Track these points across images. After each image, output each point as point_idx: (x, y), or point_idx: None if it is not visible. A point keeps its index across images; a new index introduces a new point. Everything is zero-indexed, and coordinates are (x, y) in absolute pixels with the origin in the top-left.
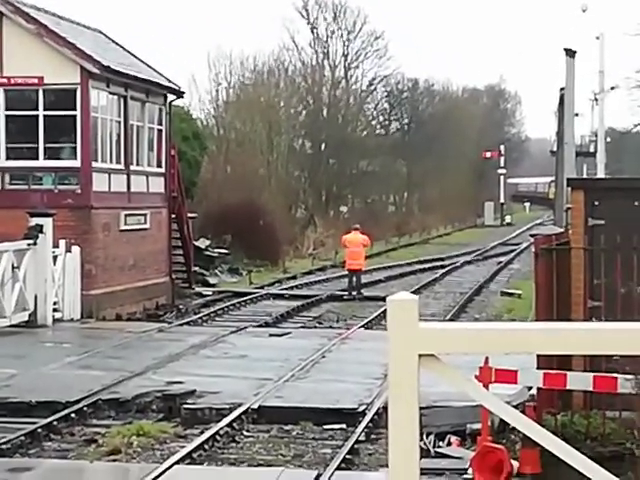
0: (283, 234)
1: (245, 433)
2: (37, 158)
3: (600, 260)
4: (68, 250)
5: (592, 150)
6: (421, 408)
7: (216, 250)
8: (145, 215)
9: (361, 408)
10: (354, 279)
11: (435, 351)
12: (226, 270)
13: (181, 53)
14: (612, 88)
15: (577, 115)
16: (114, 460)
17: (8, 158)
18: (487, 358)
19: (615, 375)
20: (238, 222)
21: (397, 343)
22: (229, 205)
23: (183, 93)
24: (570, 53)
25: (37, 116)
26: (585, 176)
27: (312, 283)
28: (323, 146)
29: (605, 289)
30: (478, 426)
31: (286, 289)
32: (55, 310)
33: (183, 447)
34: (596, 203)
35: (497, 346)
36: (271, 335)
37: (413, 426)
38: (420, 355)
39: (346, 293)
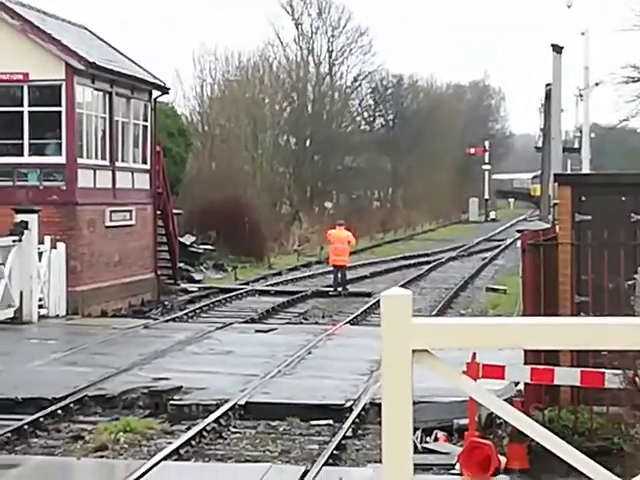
0: (268, 230)
1: (232, 429)
2: (22, 154)
3: (587, 255)
4: (53, 246)
5: (576, 146)
6: None
7: (201, 246)
8: (130, 211)
9: (348, 404)
10: (339, 275)
11: (428, 346)
12: (211, 266)
13: (166, 49)
14: (597, 84)
15: (562, 111)
16: (101, 456)
17: None
18: (474, 354)
19: (603, 370)
20: (223, 218)
21: (390, 338)
22: (214, 201)
23: (168, 89)
24: (557, 49)
25: (22, 112)
26: (570, 172)
27: (297, 279)
28: (308, 142)
29: (592, 284)
30: (465, 422)
31: (271, 285)
32: (40, 306)
33: (170, 443)
34: (583, 198)
35: (490, 341)
36: (257, 331)
37: (407, 422)
38: (414, 350)
39: (331, 289)
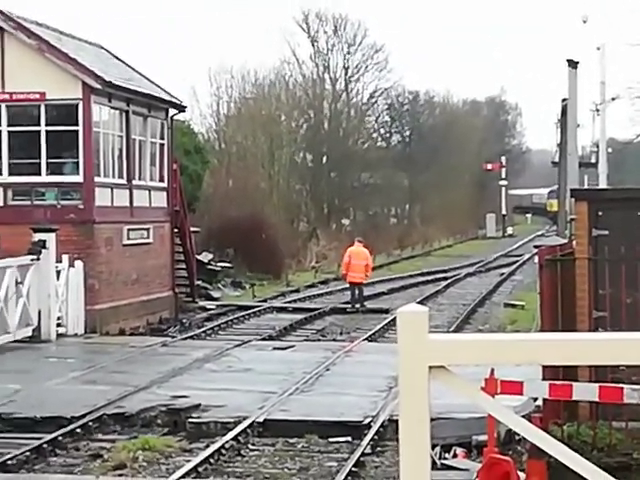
0: (285, 247)
1: (250, 447)
2: (40, 174)
3: (604, 270)
4: (71, 265)
5: (593, 161)
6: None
7: (219, 264)
8: (148, 229)
9: (366, 421)
10: (357, 292)
11: (445, 362)
12: (229, 284)
13: (182, 67)
14: (613, 99)
15: (579, 126)
16: (120, 475)
17: (11, 174)
18: (493, 370)
19: (621, 385)
20: (240, 236)
21: (407, 355)
22: (231, 219)
23: (185, 107)
24: (572, 64)
25: (39, 132)
26: (587, 187)
27: (315, 296)
28: (324, 159)
29: (610, 299)
30: (484, 438)
31: (289, 302)
32: (59, 325)
33: (189, 461)
34: (600, 214)
35: (507, 357)
36: (275, 348)
37: (424, 438)
38: (430, 367)
39: (349, 306)
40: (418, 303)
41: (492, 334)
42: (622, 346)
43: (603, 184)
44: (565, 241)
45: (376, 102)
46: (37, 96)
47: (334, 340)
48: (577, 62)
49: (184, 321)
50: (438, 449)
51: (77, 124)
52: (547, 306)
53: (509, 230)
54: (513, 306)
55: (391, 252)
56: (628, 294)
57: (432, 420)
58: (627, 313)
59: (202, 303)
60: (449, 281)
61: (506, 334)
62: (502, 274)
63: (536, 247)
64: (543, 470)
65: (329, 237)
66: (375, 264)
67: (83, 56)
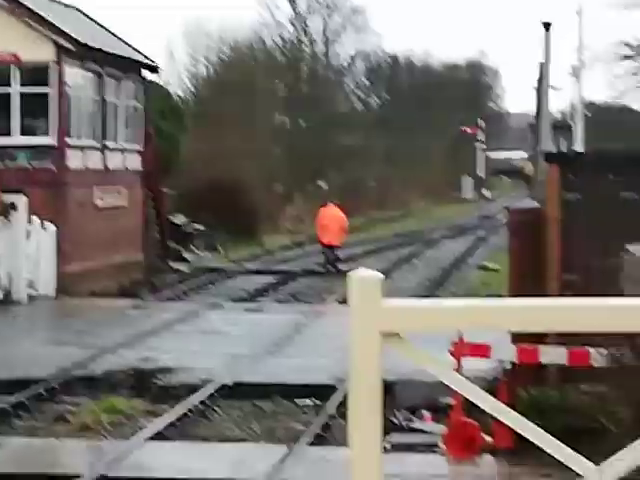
0: (261, 210)
1: (217, 409)
2: (11, 135)
3: (575, 234)
4: (43, 227)
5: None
6: (392, 382)
7: (193, 226)
8: (121, 192)
9: (334, 383)
10: (330, 254)
11: (399, 329)
12: (203, 246)
13: (158, 29)
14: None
15: (555, 88)
16: (84, 437)
17: None
18: (461, 333)
19: (588, 349)
20: (216, 198)
21: (358, 321)
22: (207, 181)
23: (160, 69)
24: (546, 26)
25: (10, 93)
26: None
27: (289, 259)
28: (302, 122)
29: (579, 263)
30: (451, 400)
31: (263, 264)
32: (30, 287)
33: (154, 424)
34: (571, 177)
35: (463, 323)
36: (247, 310)
37: (375, 408)
38: (383, 333)
39: (323, 268)
40: (393, 265)
41: (449, 299)
42: (590, 313)
43: (580, 148)
44: (537, 204)
45: (355, 65)
46: (9, 57)
47: (306, 302)
48: (550, 24)
49: (156, 283)
50: (404, 412)
51: (49, 86)
52: (516, 269)
53: (485, 193)
54: (487, 269)
55: (369, 214)
56: (598, 258)
57: (398, 383)
58: (597, 277)
59: (174, 265)
60: (425, 244)
61: (464, 299)
62: (479, 237)
63: (507, 209)
64: (509, 433)
65: (306, 200)
66: (352, 226)
67: (57, 17)
